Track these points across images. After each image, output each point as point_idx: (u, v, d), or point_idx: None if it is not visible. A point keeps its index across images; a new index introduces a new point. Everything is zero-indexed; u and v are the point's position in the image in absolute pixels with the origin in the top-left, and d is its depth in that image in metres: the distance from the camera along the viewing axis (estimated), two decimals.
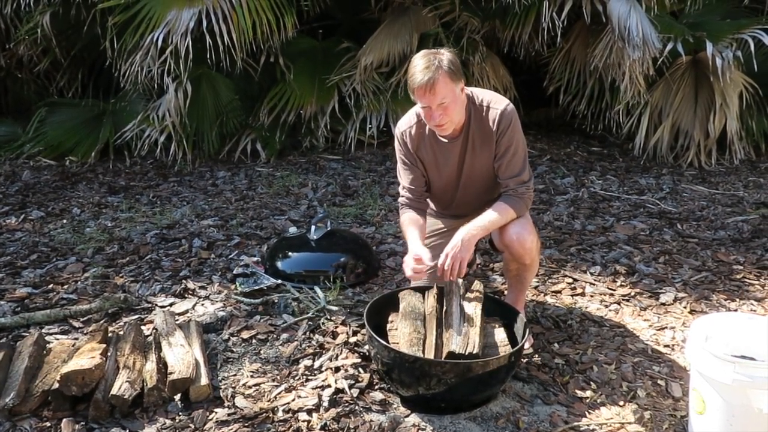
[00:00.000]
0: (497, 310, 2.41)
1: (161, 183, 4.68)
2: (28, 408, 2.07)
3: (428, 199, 2.63)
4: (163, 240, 3.58)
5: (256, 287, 2.97)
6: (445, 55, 2.22)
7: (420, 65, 2.20)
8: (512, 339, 2.26)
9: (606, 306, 2.90)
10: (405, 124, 2.45)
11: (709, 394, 1.88)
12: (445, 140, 2.38)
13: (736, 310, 2.87)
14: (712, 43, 4.83)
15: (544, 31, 4.79)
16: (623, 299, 2.96)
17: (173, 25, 4.55)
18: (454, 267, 2.23)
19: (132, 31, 4.70)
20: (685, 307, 2.89)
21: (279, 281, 3.00)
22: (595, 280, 3.13)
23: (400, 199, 2.54)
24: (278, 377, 2.32)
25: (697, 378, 1.93)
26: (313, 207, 4.15)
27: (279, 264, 3.13)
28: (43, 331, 2.58)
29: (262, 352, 2.49)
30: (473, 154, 2.38)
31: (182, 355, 2.24)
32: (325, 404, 2.15)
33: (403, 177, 2.51)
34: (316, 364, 2.39)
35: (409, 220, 2.47)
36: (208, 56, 4.63)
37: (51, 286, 3.04)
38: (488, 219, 2.31)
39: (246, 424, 2.06)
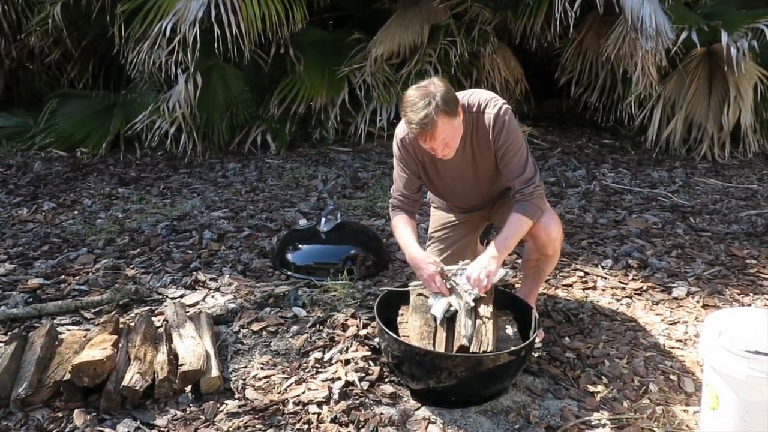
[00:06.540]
0: (508, 303, 2.40)
1: (171, 174, 4.69)
2: (40, 398, 2.09)
3: (438, 196, 2.65)
4: (174, 231, 3.59)
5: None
6: (439, 89, 2.10)
7: (417, 107, 2.08)
8: (523, 332, 2.25)
9: (618, 300, 2.88)
10: (404, 131, 2.36)
11: (722, 389, 1.86)
12: None
13: (749, 305, 2.84)
14: (728, 32, 4.77)
15: (557, 21, 4.76)
16: (635, 293, 2.94)
17: (182, 15, 4.54)
18: (480, 279, 2.20)
19: (140, 20, 4.70)
20: (697, 302, 2.86)
21: None
22: (606, 274, 3.11)
23: (392, 201, 2.49)
24: (288, 369, 2.32)
25: (710, 373, 1.91)
26: (323, 199, 4.14)
27: (289, 256, 3.13)
28: (55, 322, 2.60)
29: (272, 344, 2.49)
30: (475, 157, 2.36)
31: (193, 347, 2.25)
32: (336, 397, 2.15)
33: (399, 180, 2.46)
34: (327, 356, 2.39)
35: (403, 223, 2.42)
36: (217, 47, 4.63)
37: (62, 277, 3.05)
38: (510, 237, 2.26)
39: (256, 416, 2.06)
